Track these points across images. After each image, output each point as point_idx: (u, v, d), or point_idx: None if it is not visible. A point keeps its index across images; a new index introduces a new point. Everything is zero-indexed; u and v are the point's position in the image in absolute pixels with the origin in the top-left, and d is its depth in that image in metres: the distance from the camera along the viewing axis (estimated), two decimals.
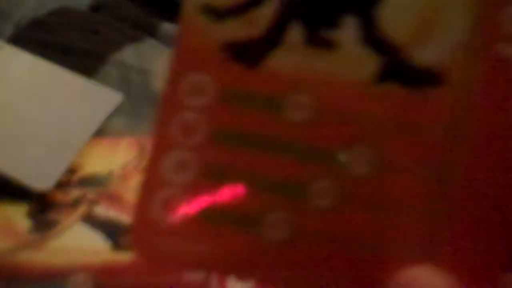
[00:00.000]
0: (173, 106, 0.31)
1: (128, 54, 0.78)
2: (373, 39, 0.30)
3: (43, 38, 0.80)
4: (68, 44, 0.80)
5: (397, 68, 0.30)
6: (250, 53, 0.31)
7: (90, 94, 0.69)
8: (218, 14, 0.31)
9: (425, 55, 0.30)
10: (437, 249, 0.30)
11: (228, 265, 0.31)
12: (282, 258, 0.30)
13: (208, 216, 0.30)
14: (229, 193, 0.30)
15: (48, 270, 0.49)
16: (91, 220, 0.55)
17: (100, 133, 0.65)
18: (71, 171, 0.60)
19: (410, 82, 0.30)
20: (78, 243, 0.52)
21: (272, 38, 0.31)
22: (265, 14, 0.31)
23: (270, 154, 0.31)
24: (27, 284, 0.48)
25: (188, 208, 0.30)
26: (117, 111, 0.67)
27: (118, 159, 0.62)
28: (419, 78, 0.30)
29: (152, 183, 0.31)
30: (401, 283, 0.29)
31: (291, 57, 0.31)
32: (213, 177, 0.31)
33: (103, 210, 0.56)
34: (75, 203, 0.56)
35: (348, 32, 0.31)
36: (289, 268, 0.30)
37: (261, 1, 0.31)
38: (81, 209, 0.55)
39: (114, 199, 0.57)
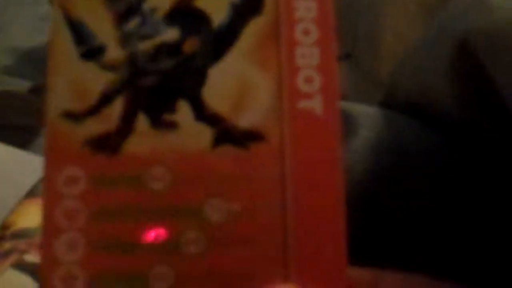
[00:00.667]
0: (54, 197, 0.31)
1: None
2: (204, 115, 0.33)
3: None
4: (5, 122, 0.80)
5: (226, 134, 0.33)
6: (109, 143, 0.32)
7: (22, 162, 0.70)
8: (76, 117, 0.32)
9: (245, 120, 0.33)
10: (289, 270, 0.32)
11: None
12: None
13: (102, 283, 0.31)
14: (116, 260, 0.31)
15: None
16: (21, 266, 0.55)
17: (32, 194, 0.66)
18: (5, 227, 0.60)
19: (238, 143, 0.33)
20: (9, 285, 0.53)
21: (124, 129, 0.32)
22: (115, 110, 0.32)
23: (143, 221, 0.32)
24: None
25: (83, 282, 0.31)
26: None
27: None
28: (245, 139, 0.33)
29: (49, 264, 0.31)
30: None
31: (143, 141, 0.32)
32: (100, 250, 0.31)
33: (32, 257, 0.56)
34: (8, 253, 0.57)
35: (184, 113, 0.33)
36: None
37: (110, 100, 0.33)
38: (13, 258, 0.56)
39: None
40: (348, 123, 0.54)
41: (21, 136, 0.77)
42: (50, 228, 0.31)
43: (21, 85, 0.92)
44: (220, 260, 0.32)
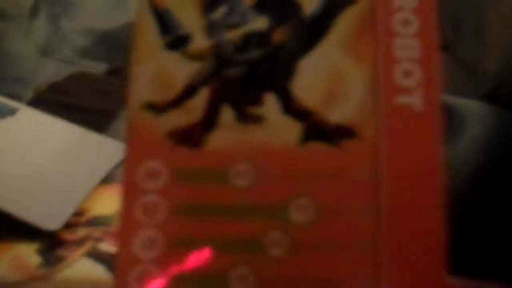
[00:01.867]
0: (133, 191, 0.31)
1: None
2: (292, 109, 0.32)
3: (58, 100, 0.81)
4: (82, 104, 0.81)
5: (316, 130, 0.32)
6: (191, 137, 0.32)
7: (99, 146, 0.71)
8: (158, 109, 0.32)
9: (337, 115, 0.32)
10: (380, 280, 0.31)
11: None
12: None
13: (179, 283, 0.31)
14: (195, 259, 0.31)
15: None
16: (95, 255, 0.55)
17: (108, 180, 0.66)
18: (80, 213, 0.61)
19: (328, 139, 0.32)
20: (82, 275, 0.53)
21: (208, 121, 0.32)
22: (199, 103, 0.32)
23: (225, 219, 0.31)
24: None
25: (160, 281, 0.31)
26: None
27: None
28: (335, 135, 0.32)
29: (124, 262, 0.31)
30: None
31: (227, 135, 0.32)
32: (178, 248, 0.31)
33: (106, 246, 0.57)
34: (82, 241, 0.57)
35: (271, 106, 0.32)
36: None
37: (193, 93, 0.32)
38: (87, 246, 0.56)
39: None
40: (453, 119, 0.52)
41: (97, 119, 0.78)
42: (128, 223, 0.31)
43: (98, 67, 0.93)
44: (305, 264, 0.31)
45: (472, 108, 0.55)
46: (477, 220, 0.49)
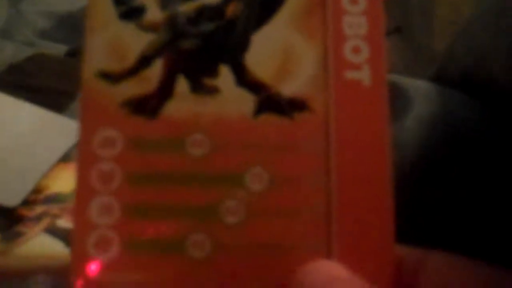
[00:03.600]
0: (89, 159, 0.31)
1: None
2: (246, 81, 0.33)
3: (18, 81, 0.81)
4: (42, 85, 0.80)
5: (269, 102, 0.32)
6: (147, 106, 0.32)
7: (58, 126, 0.71)
8: (113, 78, 0.32)
9: (289, 88, 0.33)
10: (332, 244, 0.32)
11: (162, 287, 0.31)
12: (208, 273, 0.31)
13: (137, 248, 0.31)
14: (151, 226, 0.31)
15: (12, 272, 0.50)
16: (53, 231, 0.56)
17: (66, 159, 0.67)
18: (38, 191, 0.62)
19: (281, 111, 0.32)
20: (40, 250, 0.54)
21: (163, 92, 0.32)
22: (154, 73, 0.32)
23: (181, 187, 0.32)
24: None
25: (117, 246, 0.31)
26: None
27: None
28: (288, 107, 0.32)
29: (82, 228, 0.31)
30: (306, 276, 0.30)
31: (183, 105, 0.32)
32: (134, 215, 0.31)
33: (64, 222, 0.57)
34: (40, 217, 0.58)
35: (225, 78, 0.33)
36: (215, 280, 0.31)
37: (149, 62, 0.32)
38: (45, 222, 0.57)
39: None
40: (401, 98, 0.53)
41: (56, 100, 0.78)
42: (84, 190, 0.31)
43: (58, 49, 0.93)
44: (260, 231, 0.32)
45: (420, 88, 0.57)
46: (422, 194, 0.51)
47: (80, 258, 0.31)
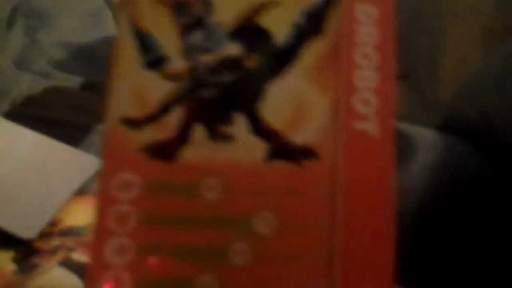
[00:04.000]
0: (107, 201, 0.32)
1: None
2: (259, 129, 0.34)
3: (35, 113, 0.82)
4: (58, 118, 0.81)
5: (281, 149, 0.33)
6: (165, 151, 0.33)
7: (73, 159, 0.72)
8: (135, 124, 0.33)
9: (300, 137, 0.34)
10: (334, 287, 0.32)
11: None
12: None
13: (149, 287, 0.32)
14: (163, 266, 0.32)
15: None
16: (68, 264, 0.57)
17: (82, 192, 0.68)
18: (54, 223, 0.62)
19: (291, 159, 0.33)
20: (56, 283, 0.54)
21: (181, 138, 0.33)
22: (173, 119, 0.33)
23: (193, 229, 0.33)
24: None
25: (131, 285, 0.32)
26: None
27: None
28: (298, 155, 0.33)
29: (97, 267, 0.32)
30: None
31: (199, 151, 0.33)
32: (147, 255, 0.32)
33: (79, 256, 0.58)
34: (55, 250, 0.58)
35: (240, 126, 0.34)
36: None
37: (169, 109, 0.34)
38: (60, 255, 0.58)
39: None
40: (406, 145, 0.54)
41: (72, 133, 0.79)
42: (101, 231, 0.32)
43: (73, 81, 0.93)
44: (265, 274, 0.32)
45: (425, 136, 0.57)
46: (425, 240, 0.51)
47: None
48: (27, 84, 0.89)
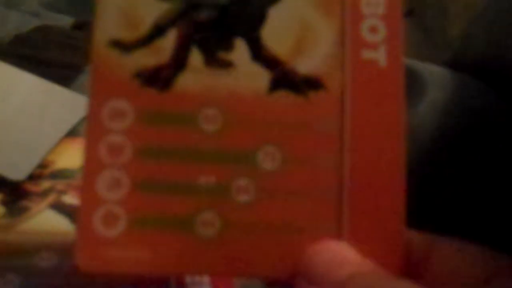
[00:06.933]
0: (98, 131, 0.31)
1: None
2: (261, 56, 0.32)
3: (24, 53, 0.80)
4: (48, 57, 0.80)
5: (284, 79, 0.32)
6: (160, 78, 0.32)
7: (64, 100, 0.71)
8: (125, 47, 0.32)
9: (305, 66, 0.32)
10: (342, 226, 0.32)
11: (168, 266, 0.31)
12: (216, 252, 0.31)
13: (144, 225, 0.31)
14: (160, 202, 0.31)
15: (18, 248, 0.50)
16: (59, 207, 0.56)
17: (73, 133, 0.66)
18: (44, 166, 0.61)
19: (296, 89, 0.32)
20: (46, 226, 0.54)
21: (177, 63, 0.32)
22: (168, 43, 0.32)
23: (192, 163, 0.32)
24: None
25: (124, 222, 0.31)
26: None
27: None
28: (303, 85, 0.32)
29: (89, 202, 0.31)
30: (316, 256, 0.31)
31: (196, 78, 0.32)
32: (143, 190, 0.31)
33: (70, 199, 0.57)
34: (46, 193, 0.57)
35: (240, 52, 0.32)
36: (223, 260, 0.31)
37: (163, 31, 0.32)
38: (51, 198, 0.57)
39: None
40: (415, 83, 0.53)
41: (63, 73, 0.77)
42: (92, 163, 0.31)
43: (63, 20, 0.92)
44: (270, 211, 0.32)
45: (435, 73, 0.56)
46: (434, 179, 0.51)
47: (85, 233, 0.31)
48: (15, 23, 0.88)
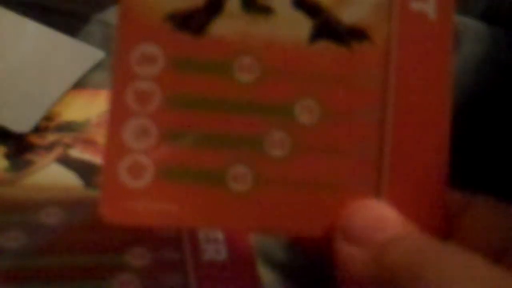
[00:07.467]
0: (126, 76, 0.30)
1: (111, 14, 0.77)
2: (303, 2, 0.31)
3: (30, 0, 0.78)
4: (54, 6, 0.78)
5: (326, 28, 0.31)
6: (194, 22, 0.30)
7: (71, 50, 0.68)
8: None
9: (349, 15, 0.31)
10: (382, 184, 0.31)
11: (196, 219, 0.31)
12: (247, 208, 0.30)
13: (172, 177, 0.30)
14: (190, 154, 0.30)
15: (22, 203, 0.48)
16: (66, 161, 0.54)
17: (81, 85, 0.64)
18: (50, 118, 0.59)
19: (339, 39, 0.31)
20: (52, 181, 0.52)
21: (212, 7, 0.30)
22: None
23: (224, 114, 0.30)
24: (1, 215, 0.48)
25: (151, 173, 0.30)
26: (99, 66, 0.66)
27: (95, 109, 0.61)
28: (346, 35, 0.31)
29: (115, 151, 0.30)
30: (355, 214, 0.30)
31: (233, 24, 0.31)
32: (172, 141, 0.30)
33: (77, 153, 0.55)
34: (51, 146, 0.56)
35: None
36: (254, 216, 0.31)
37: None
38: (57, 151, 0.55)
39: (88, 143, 0.56)
40: None
41: (69, 22, 0.75)
42: (119, 110, 0.30)
43: None
44: (305, 167, 0.31)
45: (469, 26, 0.55)
46: (467, 136, 0.49)
47: (110, 183, 0.30)
48: None
